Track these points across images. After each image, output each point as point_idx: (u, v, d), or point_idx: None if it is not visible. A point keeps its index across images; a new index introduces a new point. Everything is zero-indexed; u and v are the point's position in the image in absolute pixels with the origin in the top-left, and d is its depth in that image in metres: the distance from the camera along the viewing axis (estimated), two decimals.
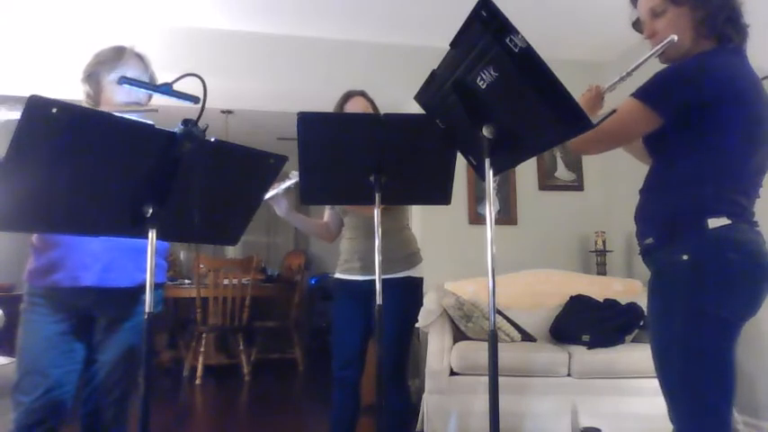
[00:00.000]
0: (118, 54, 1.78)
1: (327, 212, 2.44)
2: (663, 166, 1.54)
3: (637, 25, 1.63)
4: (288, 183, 2.06)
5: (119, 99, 1.75)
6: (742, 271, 1.40)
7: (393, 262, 2.16)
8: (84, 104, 1.78)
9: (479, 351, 2.94)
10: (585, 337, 3.11)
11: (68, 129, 1.17)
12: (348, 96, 2.28)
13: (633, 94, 1.46)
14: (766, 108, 1.49)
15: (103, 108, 1.71)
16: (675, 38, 1.46)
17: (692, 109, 1.43)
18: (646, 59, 1.51)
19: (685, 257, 1.41)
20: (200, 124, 1.32)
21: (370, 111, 2.27)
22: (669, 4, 1.50)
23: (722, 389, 1.41)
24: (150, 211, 1.33)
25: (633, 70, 1.55)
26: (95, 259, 1.66)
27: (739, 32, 1.51)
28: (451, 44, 1.27)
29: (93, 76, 1.77)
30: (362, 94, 2.29)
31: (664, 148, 1.53)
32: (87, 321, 1.73)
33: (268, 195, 2.07)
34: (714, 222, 1.40)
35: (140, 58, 1.83)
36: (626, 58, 1.61)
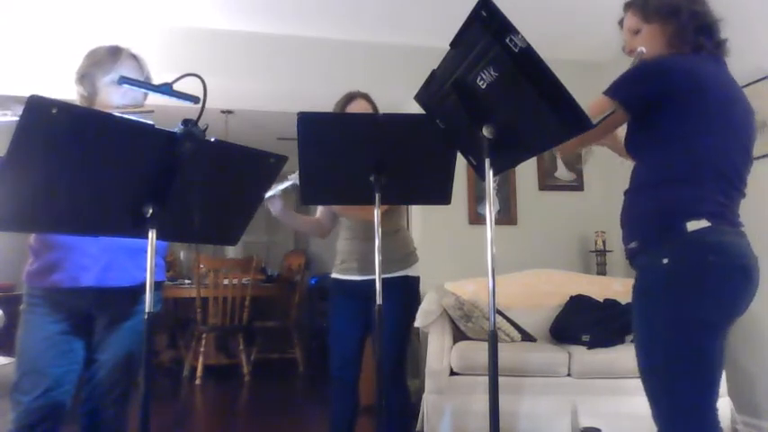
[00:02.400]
0: (114, 55, 1.74)
1: (320, 209, 2.44)
2: (642, 166, 1.57)
3: (626, 49, 1.71)
4: (286, 183, 2.05)
5: (115, 101, 1.72)
6: (722, 274, 1.41)
7: (390, 262, 2.16)
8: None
9: (479, 351, 2.94)
10: (585, 337, 3.11)
11: (68, 129, 1.17)
12: (351, 98, 2.26)
13: (603, 91, 1.51)
14: (741, 110, 1.52)
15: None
16: (644, 49, 1.55)
17: (656, 99, 1.46)
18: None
19: (665, 261, 1.42)
20: (201, 124, 1.32)
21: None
22: (643, 23, 1.61)
23: (703, 390, 1.43)
24: (150, 211, 1.32)
25: None
26: (94, 260, 1.66)
27: (713, 42, 1.56)
28: (451, 44, 1.27)
29: (87, 78, 1.73)
30: (365, 96, 2.28)
31: (639, 149, 1.56)
32: (87, 321, 1.73)
33: (265, 196, 2.06)
34: (693, 225, 1.41)
35: (136, 59, 1.79)
36: (625, 59, 1.64)
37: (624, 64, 1.60)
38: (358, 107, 2.25)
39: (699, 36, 1.54)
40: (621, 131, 1.68)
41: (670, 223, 1.45)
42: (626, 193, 1.60)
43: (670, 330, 1.42)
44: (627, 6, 1.66)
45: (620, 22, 1.70)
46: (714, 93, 1.48)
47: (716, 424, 1.43)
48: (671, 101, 1.46)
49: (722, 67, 1.56)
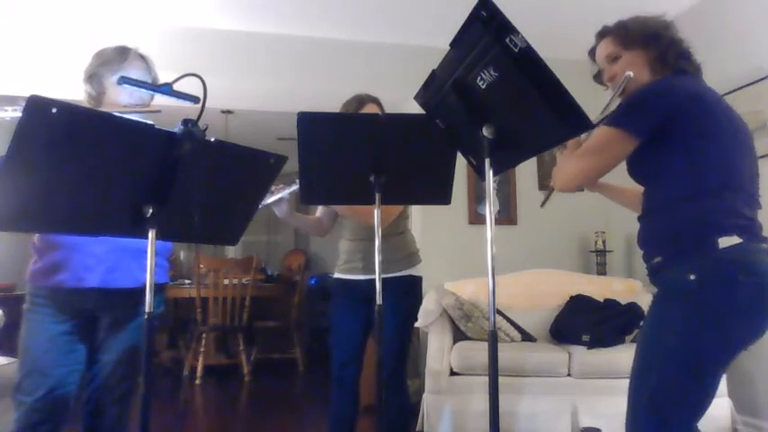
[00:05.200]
0: (122, 55, 1.77)
1: (320, 208, 2.44)
2: (656, 188, 1.54)
3: (597, 77, 1.71)
4: (293, 187, 2.06)
5: (122, 100, 1.74)
6: (751, 295, 1.36)
7: (393, 262, 2.17)
8: (86, 105, 1.77)
9: (479, 351, 2.94)
10: (585, 337, 3.11)
11: (68, 129, 1.17)
12: (362, 103, 2.24)
13: (606, 123, 1.48)
14: (738, 122, 1.52)
15: (106, 109, 1.70)
16: (631, 74, 1.54)
17: (665, 122, 1.44)
18: (611, 100, 1.55)
19: (692, 277, 1.37)
20: (200, 124, 1.32)
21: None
22: (622, 50, 1.60)
23: (694, 411, 1.40)
24: (150, 211, 1.33)
25: (602, 113, 1.57)
26: (99, 260, 1.67)
27: (692, 65, 1.58)
28: (451, 44, 1.27)
29: (95, 77, 1.76)
30: (375, 101, 2.27)
31: (651, 171, 1.53)
32: (90, 321, 1.73)
33: (271, 200, 2.08)
34: (725, 242, 1.37)
35: (144, 59, 1.82)
36: (610, 94, 1.64)
37: None
38: (369, 111, 2.24)
39: (679, 60, 1.55)
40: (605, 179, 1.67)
41: (700, 239, 1.40)
42: (641, 217, 1.57)
43: (686, 348, 1.38)
44: (602, 35, 1.66)
45: (591, 52, 1.70)
46: (714, 106, 1.48)
47: None
48: (680, 119, 1.44)
49: (705, 85, 1.57)
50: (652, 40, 1.56)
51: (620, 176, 1.63)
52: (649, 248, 1.54)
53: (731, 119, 1.50)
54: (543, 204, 1.85)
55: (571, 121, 1.18)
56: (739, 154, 1.48)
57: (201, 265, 4.99)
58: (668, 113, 1.44)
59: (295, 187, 2.04)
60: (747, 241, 1.39)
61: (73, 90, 1.84)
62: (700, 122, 1.45)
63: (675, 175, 1.47)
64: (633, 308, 3.20)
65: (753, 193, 1.48)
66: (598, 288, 3.59)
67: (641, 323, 3.05)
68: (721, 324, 1.37)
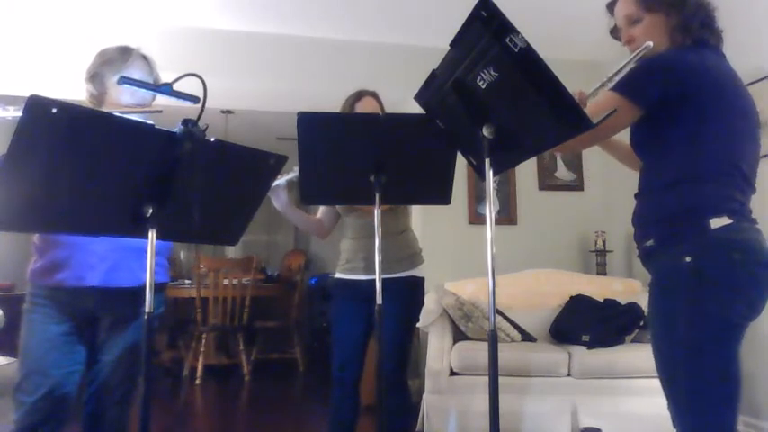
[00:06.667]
0: (124, 55, 1.77)
1: (322, 209, 2.44)
2: (655, 166, 1.53)
3: (614, 32, 1.66)
4: (290, 175, 2.03)
5: (123, 100, 1.74)
6: (746, 272, 1.38)
7: (395, 262, 2.17)
8: (87, 104, 1.77)
9: (479, 351, 2.94)
10: (585, 337, 3.11)
11: (68, 129, 1.17)
12: (360, 96, 2.26)
13: (611, 88, 1.47)
14: (749, 104, 1.51)
15: (108, 108, 1.71)
16: (651, 44, 1.48)
17: (671, 98, 1.43)
18: (625, 65, 1.51)
19: (688, 260, 1.38)
20: (200, 124, 1.32)
21: (380, 113, 2.27)
22: (644, 12, 1.54)
23: (727, 393, 1.39)
24: (150, 211, 1.33)
25: (614, 76, 1.53)
26: (101, 259, 1.66)
27: (714, 35, 1.53)
28: (451, 44, 1.27)
29: (97, 77, 1.76)
30: (374, 95, 2.27)
31: (652, 148, 1.53)
32: (90, 321, 1.73)
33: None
34: (716, 222, 1.38)
35: (146, 59, 1.82)
36: (625, 58, 1.61)
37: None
38: (367, 105, 2.24)
39: (702, 29, 1.50)
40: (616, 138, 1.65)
41: (692, 221, 1.41)
42: (637, 195, 1.57)
43: (694, 332, 1.38)
44: None
45: (610, 6, 1.64)
46: (725, 87, 1.46)
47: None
48: (684, 97, 1.43)
49: (724, 59, 1.54)
50: (677, 5, 1.51)
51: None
52: (642, 229, 1.54)
53: (739, 98, 1.49)
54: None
55: (571, 120, 1.18)
56: (742, 135, 1.47)
57: (201, 265, 4.99)
58: (673, 87, 1.42)
59: (293, 175, 2.01)
60: (737, 221, 1.40)
61: (73, 90, 1.84)
62: (705, 103, 1.43)
63: (673, 156, 1.47)
64: (633, 308, 3.20)
65: (749, 178, 1.47)
66: (598, 288, 3.60)
67: (642, 322, 3.08)
68: (723, 303, 1.37)
